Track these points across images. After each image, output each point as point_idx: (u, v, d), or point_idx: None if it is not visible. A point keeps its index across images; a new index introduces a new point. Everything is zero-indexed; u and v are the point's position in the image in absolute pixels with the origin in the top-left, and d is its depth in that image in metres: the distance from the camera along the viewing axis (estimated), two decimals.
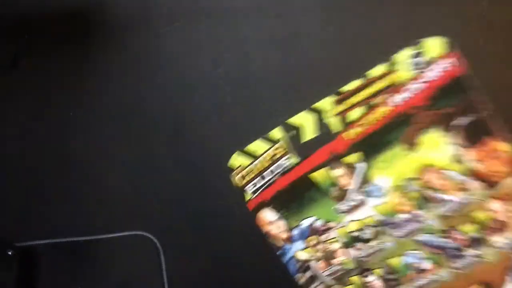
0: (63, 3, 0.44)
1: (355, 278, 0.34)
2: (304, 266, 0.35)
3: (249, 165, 0.36)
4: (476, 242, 0.30)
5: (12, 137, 0.44)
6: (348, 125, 0.32)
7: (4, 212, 0.44)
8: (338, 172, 0.33)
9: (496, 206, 0.30)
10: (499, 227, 0.30)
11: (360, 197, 0.33)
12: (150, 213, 0.45)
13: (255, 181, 0.36)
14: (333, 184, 0.33)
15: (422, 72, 0.29)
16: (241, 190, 0.36)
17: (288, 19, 0.45)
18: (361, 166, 0.32)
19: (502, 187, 0.29)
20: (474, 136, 0.29)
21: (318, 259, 0.34)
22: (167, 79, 0.44)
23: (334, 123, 0.32)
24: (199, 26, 0.45)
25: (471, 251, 0.31)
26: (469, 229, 0.30)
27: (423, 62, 0.29)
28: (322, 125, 0.33)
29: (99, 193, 0.44)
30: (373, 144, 0.31)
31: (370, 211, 0.33)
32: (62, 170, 0.44)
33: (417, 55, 0.29)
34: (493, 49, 0.46)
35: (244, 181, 0.36)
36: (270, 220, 0.36)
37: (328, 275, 0.34)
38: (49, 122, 0.44)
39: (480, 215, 0.30)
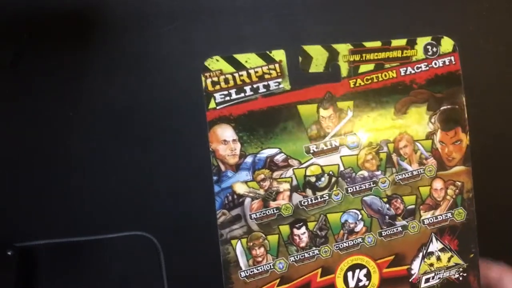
0: (62, 2, 0.44)
1: (284, 228, 0.32)
2: (235, 202, 0.32)
3: (230, 73, 0.32)
4: (408, 213, 0.33)
5: (12, 137, 0.44)
6: (355, 75, 0.33)
7: (4, 212, 0.44)
8: (327, 112, 0.33)
9: (438, 185, 0.33)
10: (433, 204, 0.33)
11: (335, 143, 0.33)
12: (150, 213, 0.45)
13: (229, 91, 0.32)
14: (316, 122, 0.33)
15: (431, 58, 0.34)
16: (208, 95, 0.32)
17: (288, 19, 0.45)
18: (350, 114, 0.33)
19: (450, 172, 0.33)
20: (448, 121, 0.33)
21: (255, 197, 0.32)
22: (167, 79, 0.44)
23: (343, 67, 0.33)
24: (199, 26, 0.45)
25: (401, 221, 0.33)
26: (409, 200, 0.33)
27: (435, 52, 0.34)
28: (332, 65, 0.33)
29: (99, 193, 0.44)
30: (369, 99, 0.33)
31: (337, 159, 0.33)
32: (62, 170, 0.44)
33: (433, 45, 0.34)
34: (493, 49, 0.46)
35: (216, 87, 0.32)
36: (225, 139, 0.32)
37: (256, 218, 0.32)
38: (49, 122, 0.44)
39: (424, 190, 0.33)
